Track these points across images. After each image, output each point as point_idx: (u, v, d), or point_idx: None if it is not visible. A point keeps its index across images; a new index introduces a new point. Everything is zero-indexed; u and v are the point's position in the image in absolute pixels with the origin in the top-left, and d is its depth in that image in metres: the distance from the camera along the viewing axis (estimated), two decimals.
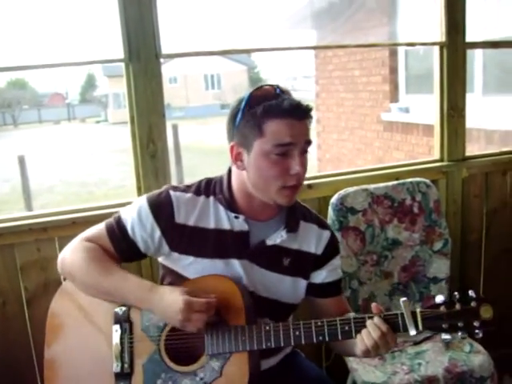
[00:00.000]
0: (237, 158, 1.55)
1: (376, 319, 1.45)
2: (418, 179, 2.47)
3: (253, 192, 1.57)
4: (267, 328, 1.49)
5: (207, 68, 31.16)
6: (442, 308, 1.43)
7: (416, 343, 2.30)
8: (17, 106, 32.04)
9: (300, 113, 1.49)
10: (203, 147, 16.94)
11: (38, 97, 36.37)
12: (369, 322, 1.45)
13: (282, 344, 1.49)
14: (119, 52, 2.17)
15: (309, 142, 1.53)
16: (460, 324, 1.41)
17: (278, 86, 1.53)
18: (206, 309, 1.44)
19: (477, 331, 1.41)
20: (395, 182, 2.45)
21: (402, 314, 1.44)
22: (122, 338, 1.57)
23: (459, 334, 1.42)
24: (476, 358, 2.16)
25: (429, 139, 5.41)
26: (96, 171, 14.48)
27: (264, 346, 1.48)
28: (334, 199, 2.35)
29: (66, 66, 2.27)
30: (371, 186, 2.41)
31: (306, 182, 2.38)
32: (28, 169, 9.99)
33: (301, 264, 1.67)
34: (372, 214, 2.37)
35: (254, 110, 1.48)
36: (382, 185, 2.43)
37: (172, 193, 1.60)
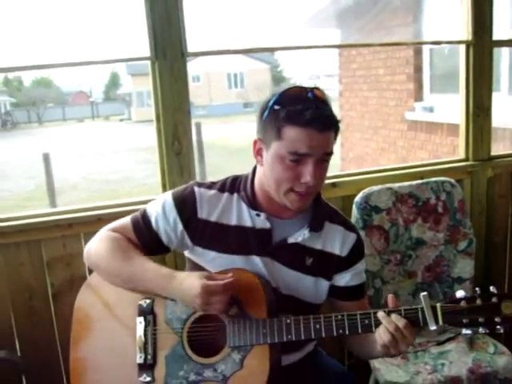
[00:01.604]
0: (258, 153, 1.58)
1: (393, 315, 1.43)
2: (442, 178, 2.45)
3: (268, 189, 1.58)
4: (288, 321, 1.49)
5: (230, 67, 31.14)
6: (463, 303, 1.41)
7: (439, 343, 2.29)
8: (41, 104, 32.37)
9: (321, 125, 1.45)
10: (226, 145, 16.97)
11: (62, 95, 36.68)
12: (385, 317, 1.43)
13: (303, 337, 1.49)
14: (145, 50, 2.19)
15: (329, 154, 1.51)
16: (481, 319, 1.40)
17: (312, 90, 1.48)
18: (223, 290, 1.45)
19: (498, 327, 1.40)
20: (420, 181, 2.44)
21: (422, 308, 1.43)
22: (145, 330, 1.60)
23: (480, 329, 1.40)
24: (500, 359, 2.14)
25: (453, 139, 5.38)
26: (119, 169, 14.56)
27: (285, 339, 1.49)
28: (358, 198, 2.34)
29: (91, 64, 2.28)
30: (395, 185, 2.40)
31: (329, 181, 2.39)
32: (52, 166, 10.08)
33: (324, 265, 1.66)
34: (396, 213, 2.36)
35: (278, 112, 1.47)
36: (406, 184, 2.42)
37: (196, 189, 1.64)
